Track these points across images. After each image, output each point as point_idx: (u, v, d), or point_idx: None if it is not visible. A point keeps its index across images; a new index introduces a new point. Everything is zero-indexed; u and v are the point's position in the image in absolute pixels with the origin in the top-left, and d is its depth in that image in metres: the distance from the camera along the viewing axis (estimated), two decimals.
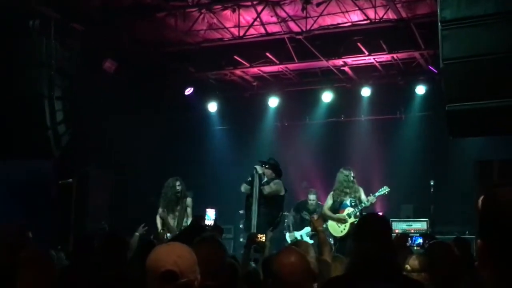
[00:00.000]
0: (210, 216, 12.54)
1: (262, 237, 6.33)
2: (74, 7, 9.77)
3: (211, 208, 12.93)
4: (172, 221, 9.92)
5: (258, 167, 9.65)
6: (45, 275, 3.87)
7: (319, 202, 11.30)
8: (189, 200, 10.07)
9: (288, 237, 11.02)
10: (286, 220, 11.31)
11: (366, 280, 3.10)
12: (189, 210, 10.04)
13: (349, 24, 10.79)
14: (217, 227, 8.10)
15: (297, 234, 10.92)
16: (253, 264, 6.35)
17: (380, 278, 3.09)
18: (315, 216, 7.20)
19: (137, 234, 8.10)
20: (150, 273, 2.68)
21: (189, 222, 9.72)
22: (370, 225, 3.43)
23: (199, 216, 8.72)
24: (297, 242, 6.19)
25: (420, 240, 10.49)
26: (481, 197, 1.39)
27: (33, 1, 9.01)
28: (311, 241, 10.72)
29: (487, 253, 1.30)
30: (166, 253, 2.74)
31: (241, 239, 12.95)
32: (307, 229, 10.86)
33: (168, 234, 9.67)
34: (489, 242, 1.30)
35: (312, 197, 11.27)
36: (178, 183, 10.01)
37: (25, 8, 8.96)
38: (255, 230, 9.03)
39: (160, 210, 10.07)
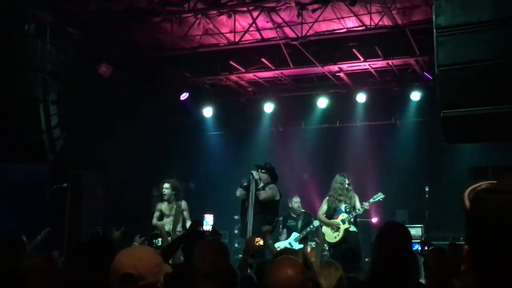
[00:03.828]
0: (208, 221, 12.51)
1: (259, 241, 6.32)
2: (69, 11, 9.77)
3: (209, 213, 12.91)
4: (167, 225, 9.88)
5: (254, 172, 9.64)
6: (50, 282, 3.87)
7: (303, 210, 11.20)
8: (184, 204, 10.00)
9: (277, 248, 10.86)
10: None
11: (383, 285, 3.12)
12: (185, 213, 9.96)
13: (345, 30, 10.81)
14: (215, 233, 8.07)
15: (286, 243, 10.83)
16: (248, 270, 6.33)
17: (395, 285, 3.10)
18: (308, 248, 6.98)
19: (135, 244, 7.93)
20: (112, 275, 2.78)
21: (187, 226, 9.68)
22: (389, 233, 3.45)
23: (197, 221, 8.68)
24: (284, 250, 6.17)
25: (418, 247, 10.48)
26: (466, 197, 1.41)
27: (29, 5, 9.00)
28: (301, 245, 10.71)
29: (475, 258, 1.32)
30: (126, 256, 2.82)
31: (236, 245, 12.92)
32: (295, 234, 10.82)
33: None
34: (478, 248, 1.32)
35: (295, 199, 11.16)
36: (166, 185, 9.90)
37: (21, 11, 8.94)
38: (250, 235, 9.01)
39: (156, 213, 10.03)
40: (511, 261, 1.25)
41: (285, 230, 11.01)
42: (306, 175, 13.01)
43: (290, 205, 11.08)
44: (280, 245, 10.72)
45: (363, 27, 10.52)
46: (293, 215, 11.03)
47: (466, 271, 1.33)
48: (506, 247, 1.26)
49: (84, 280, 4.34)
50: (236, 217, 11.52)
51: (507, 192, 1.31)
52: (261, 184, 9.65)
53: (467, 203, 1.38)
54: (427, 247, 8.48)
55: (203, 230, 8.79)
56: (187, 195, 12.86)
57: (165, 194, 9.83)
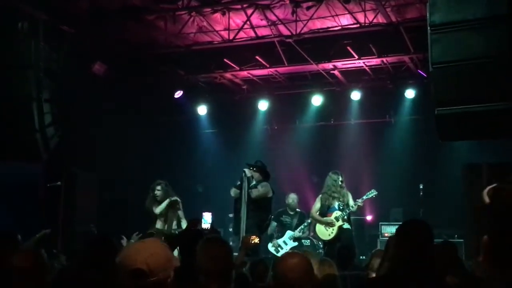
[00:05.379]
0: (206, 219, 12.51)
1: (255, 239, 6.31)
2: (63, 9, 9.72)
3: (208, 211, 12.92)
4: (161, 224, 9.85)
5: (246, 170, 9.62)
6: (38, 279, 3.83)
7: (298, 209, 11.15)
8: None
9: (271, 246, 10.82)
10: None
11: (403, 283, 3.12)
12: (180, 212, 9.94)
13: (339, 27, 10.81)
14: (214, 231, 8.05)
15: (280, 241, 10.80)
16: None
17: (417, 282, 3.10)
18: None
19: (132, 241, 7.94)
20: (121, 271, 2.67)
21: (182, 225, 9.66)
22: (413, 231, 3.43)
23: (196, 219, 8.67)
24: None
25: None
26: (486, 193, 1.39)
27: (22, 3, 8.95)
28: (295, 243, 10.70)
29: (493, 248, 1.30)
30: (137, 251, 2.71)
31: (231, 243, 12.91)
32: (289, 232, 10.79)
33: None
34: (497, 238, 1.29)
35: (292, 196, 11.13)
36: (158, 187, 9.84)
37: (14, 9, 8.90)
38: (244, 234, 9.00)
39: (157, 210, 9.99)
40: None
41: (276, 224, 10.96)
42: (316, 178, 12.97)
43: (286, 201, 11.08)
44: (275, 243, 10.73)
45: (358, 25, 10.51)
46: (289, 211, 11.03)
47: (485, 261, 1.31)
48: None
49: (85, 280, 4.33)
50: (230, 215, 11.49)
51: None
52: (253, 182, 9.64)
53: (487, 199, 1.36)
54: None
55: (202, 228, 8.78)
56: (195, 197, 12.86)
57: (157, 196, 9.79)
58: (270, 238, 10.78)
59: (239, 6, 10.41)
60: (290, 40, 10.83)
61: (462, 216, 10.57)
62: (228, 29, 10.95)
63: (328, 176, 10.09)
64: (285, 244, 10.66)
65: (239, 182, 9.67)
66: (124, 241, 7.22)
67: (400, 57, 11.90)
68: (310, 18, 10.37)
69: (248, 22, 10.72)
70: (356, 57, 11.73)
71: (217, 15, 10.65)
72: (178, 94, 13.32)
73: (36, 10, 9.05)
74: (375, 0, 9.66)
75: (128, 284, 2.64)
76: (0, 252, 4.54)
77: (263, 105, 13.93)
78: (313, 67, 12.42)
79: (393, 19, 10.21)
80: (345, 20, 10.61)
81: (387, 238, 5.69)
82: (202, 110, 14.27)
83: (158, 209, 9.71)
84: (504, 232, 1.15)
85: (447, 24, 7.20)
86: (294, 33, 10.66)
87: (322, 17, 10.53)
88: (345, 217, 9.82)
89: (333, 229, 9.83)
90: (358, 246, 10.38)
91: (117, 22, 10.53)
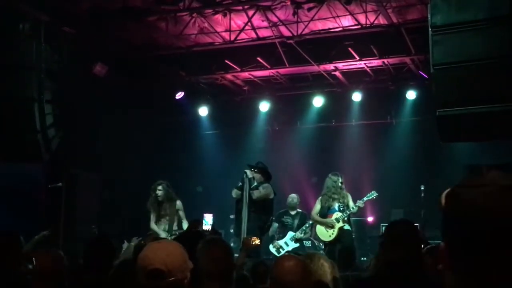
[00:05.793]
0: (207, 221, 12.50)
1: (255, 240, 6.32)
2: (64, 10, 9.73)
3: (209, 213, 12.91)
4: (163, 225, 9.85)
5: (248, 172, 9.62)
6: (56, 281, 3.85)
7: (299, 210, 11.12)
8: (179, 204, 9.96)
9: (272, 247, 10.79)
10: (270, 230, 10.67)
11: (392, 283, 3.12)
12: (181, 213, 9.93)
13: (340, 29, 10.81)
14: (215, 232, 8.04)
15: (281, 242, 10.76)
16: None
17: (405, 282, 3.11)
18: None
19: (132, 244, 7.92)
20: (139, 271, 2.67)
21: (183, 226, 9.66)
22: (398, 232, 3.44)
23: (197, 221, 8.66)
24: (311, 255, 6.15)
25: None
26: (444, 197, 1.36)
27: (23, 4, 8.96)
28: (297, 245, 10.67)
29: (449, 256, 1.27)
30: (155, 251, 2.71)
31: (232, 244, 12.89)
32: (290, 233, 10.77)
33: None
34: (452, 245, 1.27)
35: (293, 196, 11.11)
36: (159, 187, 9.85)
37: (15, 11, 8.91)
38: (245, 235, 8.99)
39: (152, 214, 9.99)
40: (489, 259, 1.20)
41: (277, 225, 10.93)
42: (315, 178, 12.97)
43: (287, 202, 11.07)
44: (276, 244, 10.71)
45: (359, 26, 10.51)
46: (290, 212, 11.02)
47: (443, 269, 1.29)
48: (483, 244, 1.21)
49: (84, 280, 4.33)
50: (231, 216, 11.48)
51: (485, 185, 1.25)
52: (255, 184, 9.63)
53: (443, 201, 1.33)
54: (423, 246, 8.48)
55: (203, 230, 8.78)
56: (196, 198, 12.87)
57: (159, 196, 9.80)
58: (272, 239, 10.76)
59: (240, 7, 10.41)
60: (291, 41, 10.83)
61: None
62: (229, 30, 10.96)
63: (327, 178, 10.09)
64: (286, 245, 10.64)
65: (240, 183, 9.66)
66: (125, 245, 7.22)
67: (401, 58, 11.89)
68: (311, 19, 10.37)
69: (249, 23, 10.72)
70: (357, 58, 11.73)
71: (218, 16, 10.66)
72: (179, 95, 13.34)
73: (37, 11, 9.06)
74: (376, 1, 9.67)
75: (145, 284, 2.64)
76: (3, 252, 4.55)
77: (264, 106, 13.94)
78: (314, 68, 12.42)
79: (394, 20, 10.21)
80: (346, 21, 10.61)
81: None
82: (203, 111, 14.28)
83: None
84: (456, 240, 1.14)
85: (449, 26, 7.20)
86: (295, 34, 10.66)
87: (323, 18, 10.54)
88: (346, 218, 9.82)
89: (333, 230, 9.83)
90: (359, 247, 10.38)
91: (118, 23, 10.54)
